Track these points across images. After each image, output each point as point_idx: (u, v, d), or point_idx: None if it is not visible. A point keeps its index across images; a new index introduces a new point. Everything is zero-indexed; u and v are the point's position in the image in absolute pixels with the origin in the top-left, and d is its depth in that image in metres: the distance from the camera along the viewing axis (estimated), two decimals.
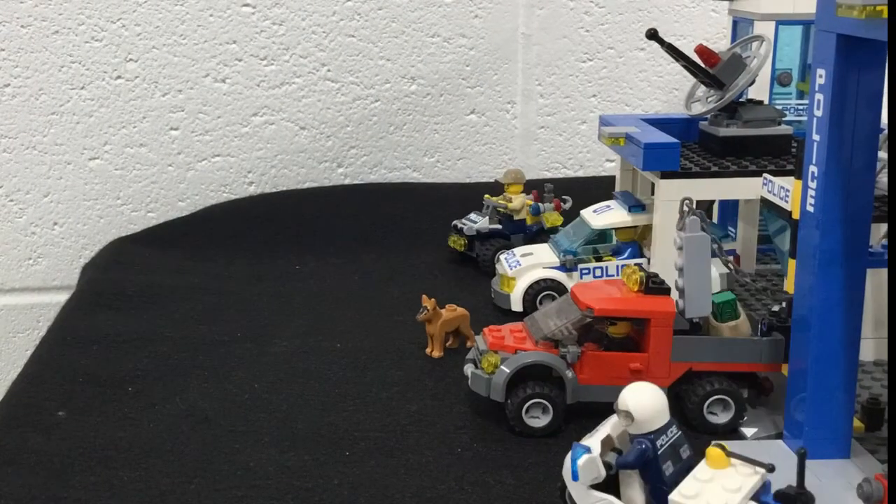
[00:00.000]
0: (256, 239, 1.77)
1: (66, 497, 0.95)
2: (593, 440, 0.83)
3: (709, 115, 1.44)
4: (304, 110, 1.89)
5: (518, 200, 1.55)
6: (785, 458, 0.98)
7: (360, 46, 1.87)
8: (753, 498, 0.76)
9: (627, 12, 1.93)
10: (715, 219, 1.63)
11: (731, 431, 1.06)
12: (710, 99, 1.43)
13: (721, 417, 1.06)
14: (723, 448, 0.78)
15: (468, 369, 1.10)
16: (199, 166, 1.89)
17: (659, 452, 0.81)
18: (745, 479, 0.76)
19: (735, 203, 1.54)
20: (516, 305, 1.36)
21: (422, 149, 1.94)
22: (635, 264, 1.11)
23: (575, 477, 0.81)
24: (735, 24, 1.57)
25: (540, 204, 1.55)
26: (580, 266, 1.35)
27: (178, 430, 1.08)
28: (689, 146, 1.47)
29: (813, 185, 0.93)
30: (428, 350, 1.25)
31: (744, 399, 1.07)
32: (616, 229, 1.37)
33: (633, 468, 0.81)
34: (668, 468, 0.81)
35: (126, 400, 1.16)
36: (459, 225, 1.56)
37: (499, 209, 1.54)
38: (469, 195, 1.84)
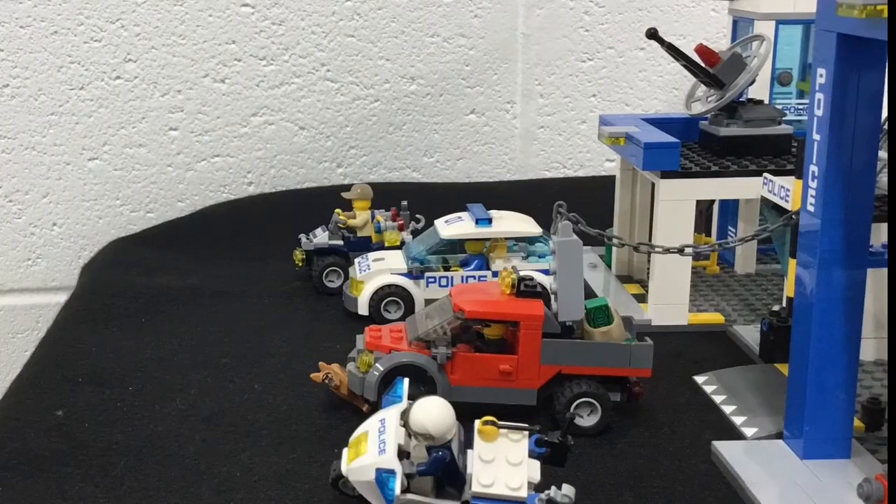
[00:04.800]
0: (256, 239, 1.77)
1: (65, 498, 0.95)
2: (390, 457, 0.84)
3: (709, 115, 1.44)
4: (303, 110, 1.89)
5: (361, 217, 1.53)
6: (785, 458, 0.98)
7: (359, 46, 1.87)
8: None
9: (627, 12, 1.93)
10: (715, 219, 1.63)
11: (598, 434, 1.06)
12: (710, 98, 1.43)
13: (588, 420, 1.06)
14: (493, 423, 0.84)
15: (349, 367, 1.11)
16: (198, 167, 1.88)
17: (455, 455, 0.85)
18: (519, 445, 0.85)
19: (735, 203, 1.54)
20: (363, 309, 1.37)
21: (421, 149, 1.94)
22: (511, 268, 1.11)
23: (391, 501, 0.83)
24: (735, 23, 1.57)
25: (381, 221, 1.53)
26: (427, 274, 1.37)
27: (177, 430, 1.08)
28: (689, 146, 1.47)
29: (813, 184, 0.93)
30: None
31: (611, 403, 1.07)
32: (464, 240, 1.38)
33: (432, 475, 0.84)
34: (460, 460, 0.85)
35: (126, 400, 1.15)
36: (304, 240, 1.53)
37: (339, 225, 1.52)
38: (469, 195, 1.84)
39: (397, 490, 0.83)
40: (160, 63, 1.83)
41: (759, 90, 1.48)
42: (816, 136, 0.91)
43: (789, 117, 1.50)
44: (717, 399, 1.14)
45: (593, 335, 1.08)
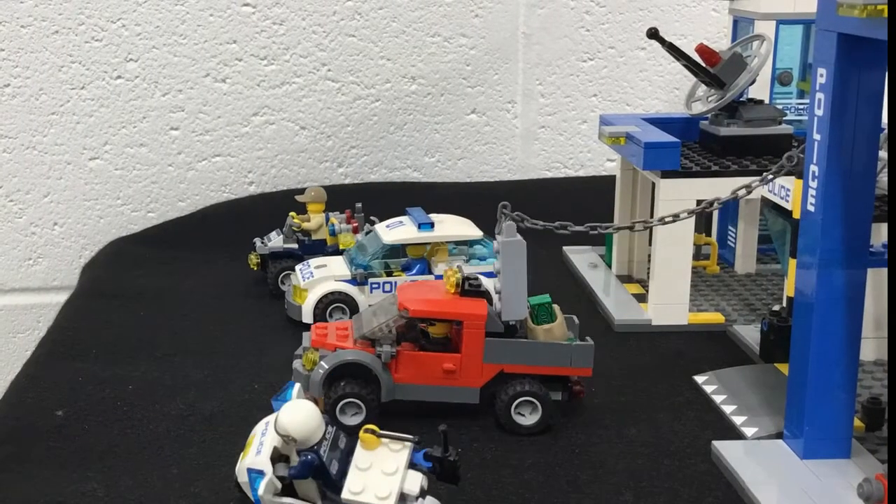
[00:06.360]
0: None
1: (66, 498, 0.95)
2: (262, 459, 0.86)
3: (709, 115, 1.44)
4: (304, 110, 1.89)
5: (315, 220, 1.52)
6: (785, 458, 0.98)
7: (360, 46, 1.87)
8: (410, 466, 0.85)
9: (628, 12, 1.93)
10: (715, 219, 1.63)
11: (539, 433, 1.06)
12: (710, 98, 1.43)
13: (529, 419, 1.07)
14: (373, 432, 0.85)
15: (294, 365, 1.11)
16: (199, 166, 1.89)
17: (324, 459, 0.85)
18: (398, 455, 0.85)
19: (735, 203, 1.54)
20: (307, 317, 1.36)
21: (422, 148, 1.94)
22: (456, 267, 1.11)
23: (258, 502, 0.85)
24: (735, 23, 1.57)
25: (335, 224, 1.52)
26: (370, 280, 1.37)
27: (177, 430, 1.08)
28: (689, 146, 1.47)
29: (814, 184, 0.93)
30: None
31: (551, 402, 1.07)
32: (406, 245, 1.38)
33: (303, 478, 0.85)
34: (334, 466, 0.85)
35: (126, 400, 1.15)
36: (258, 243, 1.53)
37: (294, 228, 1.51)
38: (469, 195, 1.84)
39: (261, 491, 0.84)
40: (161, 62, 1.83)
41: (760, 90, 1.48)
42: (817, 136, 0.91)
43: (790, 117, 1.50)
44: (717, 399, 1.14)
45: (536, 333, 1.08)
